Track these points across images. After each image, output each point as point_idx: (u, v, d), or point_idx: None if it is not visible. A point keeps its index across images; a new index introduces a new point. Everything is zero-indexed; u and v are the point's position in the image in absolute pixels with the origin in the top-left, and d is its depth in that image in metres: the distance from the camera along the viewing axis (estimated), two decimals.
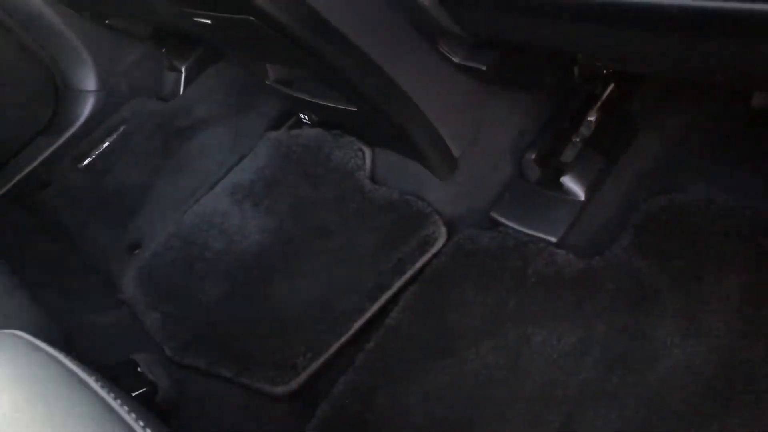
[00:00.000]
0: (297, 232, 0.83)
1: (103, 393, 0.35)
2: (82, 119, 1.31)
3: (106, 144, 1.30)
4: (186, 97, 1.32)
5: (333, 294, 0.75)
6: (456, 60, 0.71)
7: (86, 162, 1.28)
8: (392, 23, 0.67)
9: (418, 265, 0.75)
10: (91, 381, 0.36)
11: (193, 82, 1.33)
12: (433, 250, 0.75)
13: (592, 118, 0.81)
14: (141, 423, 0.34)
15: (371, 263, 0.76)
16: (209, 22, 0.69)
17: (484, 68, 0.70)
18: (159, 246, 0.94)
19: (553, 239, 0.74)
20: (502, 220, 0.78)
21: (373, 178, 0.86)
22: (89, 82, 1.31)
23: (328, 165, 0.88)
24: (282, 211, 0.86)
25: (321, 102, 0.83)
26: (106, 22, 1.23)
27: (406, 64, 0.71)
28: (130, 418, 0.34)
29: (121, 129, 1.31)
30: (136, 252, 1.03)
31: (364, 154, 0.86)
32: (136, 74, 1.34)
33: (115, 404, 0.35)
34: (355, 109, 0.78)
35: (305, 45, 0.65)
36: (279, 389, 0.68)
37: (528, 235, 0.75)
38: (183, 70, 1.33)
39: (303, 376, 0.69)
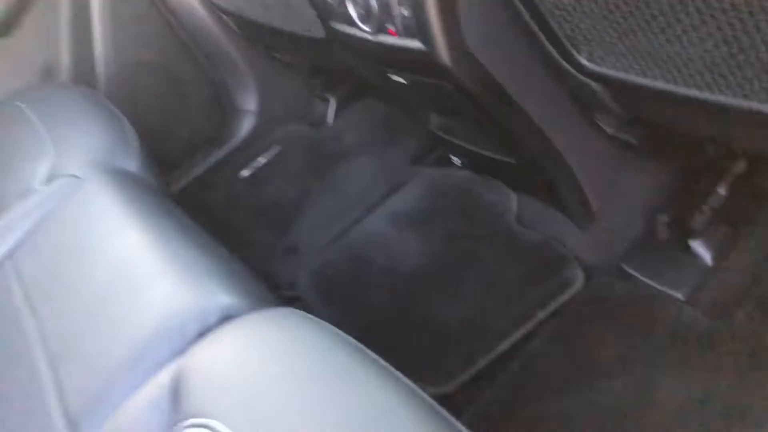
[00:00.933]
0: (452, 260, 0.97)
1: (383, 362, 0.48)
2: (242, 135, 1.50)
3: (263, 160, 1.49)
4: (334, 126, 1.49)
5: (484, 317, 0.88)
6: (608, 131, 0.83)
7: (245, 173, 1.47)
8: (555, 94, 0.80)
9: (559, 302, 0.87)
10: (369, 352, 0.49)
11: (341, 113, 1.50)
12: (572, 290, 0.88)
13: (722, 191, 0.92)
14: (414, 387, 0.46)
15: (517, 295, 0.89)
16: (405, 82, 0.84)
17: (634, 142, 0.82)
18: (325, 254, 1.11)
19: (680, 296, 0.84)
20: (633, 272, 0.89)
21: (519, 221, 0.99)
22: (251, 103, 1.50)
23: (479, 205, 1.02)
24: (438, 240, 1.01)
25: (480, 151, 0.97)
26: (275, 55, 1.42)
27: (563, 128, 0.84)
28: (412, 385, 0.47)
29: (276, 149, 1.50)
30: (292, 256, 1.20)
31: (511, 198, 1.00)
32: (291, 101, 1.52)
33: (396, 373, 0.47)
34: (513, 162, 0.92)
35: (485, 107, 0.78)
36: (434, 389, 0.82)
37: (657, 289, 0.86)
38: (333, 101, 1.51)
39: (456, 382, 0.82)
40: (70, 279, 0.69)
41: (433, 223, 1.05)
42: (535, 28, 0.61)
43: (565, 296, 0.87)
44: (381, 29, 0.70)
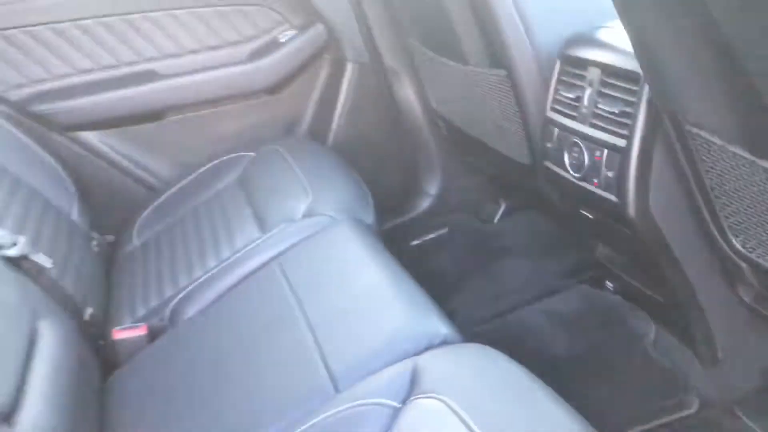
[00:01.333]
0: (591, 359, 1.19)
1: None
2: (419, 211, 1.78)
3: (432, 236, 1.76)
4: (499, 225, 1.74)
5: (608, 410, 1.08)
6: (746, 299, 1.00)
7: (415, 242, 1.75)
8: (708, 259, 0.98)
9: (672, 417, 1.06)
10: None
11: (508, 216, 1.75)
12: (686, 413, 1.07)
13: None
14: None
15: (639, 401, 1.09)
16: (591, 217, 1.06)
17: (767, 314, 0.99)
18: (481, 327, 1.34)
19: None
20: (743, 416, 1.04)
21: (654, 347, 1.20)
22: (433, 188, 1.78)
23: (623, 326, 1.25)
24: (583, 342, 1.24)
25: (633, 283, 1.17)
26: (467, 158, 1.70)
27: (708, 286, 1.02)
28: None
29: (445, 230, 1.77)
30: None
31: (651, 327, 1.22)
32: (467, 195, 1.79)
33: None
34: (659, 299, 1.11)
35: (650, 253, 0.99)
36: None
37: None
38: (503, 205, 1.76)
39: None
40: (327, 285, 0.99)
41: (581, 328, 1.28)
42: (702, 205, 0.83)
43: (679, 415, 1.06)
44: (586, 179, 0.94)
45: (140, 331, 1.13)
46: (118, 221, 1.51)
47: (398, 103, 1.67)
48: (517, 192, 1.72)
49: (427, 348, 0.82)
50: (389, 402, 0.75)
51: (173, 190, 1.53)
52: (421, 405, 0.72)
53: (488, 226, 1.75)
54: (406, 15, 1.41)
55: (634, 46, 0.74)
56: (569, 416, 0.68)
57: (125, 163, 1.61)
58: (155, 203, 1.51)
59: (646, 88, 0.82)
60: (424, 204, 1.78)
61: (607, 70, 0.89)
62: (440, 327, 0.86)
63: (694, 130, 0.72)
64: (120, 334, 1.13)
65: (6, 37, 1.46)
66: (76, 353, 1.00)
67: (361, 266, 1.03)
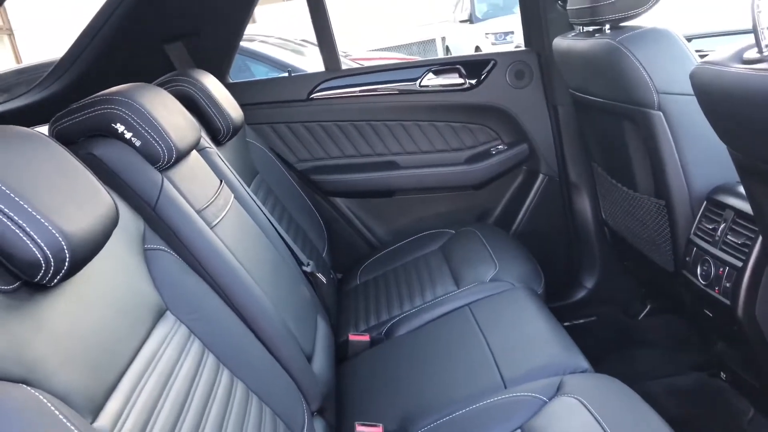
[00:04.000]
0: (698, 425, 1.53)
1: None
2: (575, 299, 2.18)
3: (581, 321, 2.15)
4: (643, 321, 2.10)
5: None
6: None
7: (566, 324, 2.14)
8: None
9: None
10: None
11: (650, 317, 2.10)
12: None
13: None
14: None
15: None
16: (711, 315, 1.43)
17: None
18: None
19: None
20: None
21: (750, 422, 1.51)
22: (590, 282, 2.18)
23: (728, 404, 1.57)
24: (692, 413, 1.57)
25: (742, 374, 1.50)
26: (625, 262, 2.09)
27: None
28: None
29: (593, 318, 2.15)
30: None
31: (750, 410, 1.53)
32: (623, 294, 2.16)
33: None
34: (757, 385, 1.44)
35: (754, 349, 1.33)
36: None
37: None
38: (648, 306, 2.12)
39: None
40: (505, 325, 1.44)
41: (694, 401, 1.61)
42: None
43: None
44: (710, 286, 1.34)
45: (365, 338, 1.65)
46: (345, 265, 2.07)
47: (574, 210, 2.13)
48: (661, 297, 2.07)
49: (572, 372, 1.24)
50: (541, 396, 1.17)
51: (389, 249, 2.07)
52: (564, 401, 1.13)
53: (632, 321, 2.11)
54: (594, 144, 1.88)
55: (748, 198, 1.15)
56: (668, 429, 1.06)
57: (358, 224, 2.21)
58: (375, 256, 2.06)
59: None
60: (580, 294, 2.18)
61: (739, 213, 1.30)
62: (583, 362, 1.27)
63: None
64: (353, 337, 1.66)
65: (306, 126, 2.13)
66: (331, 340, 1.53)
67: (531, 316, 1.47)
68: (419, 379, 1.38)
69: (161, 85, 1.57)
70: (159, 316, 0.95)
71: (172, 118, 1.23)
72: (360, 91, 2.11)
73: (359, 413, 1.31)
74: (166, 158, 1.16)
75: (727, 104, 0.95)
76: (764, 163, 0.97)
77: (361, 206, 2.21)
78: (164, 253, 1.03)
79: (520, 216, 2.17)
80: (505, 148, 2.12)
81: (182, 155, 1.22)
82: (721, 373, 1.61)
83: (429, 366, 1.43)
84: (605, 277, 2.14)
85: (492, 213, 2.21)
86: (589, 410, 1.09)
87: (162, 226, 1.09)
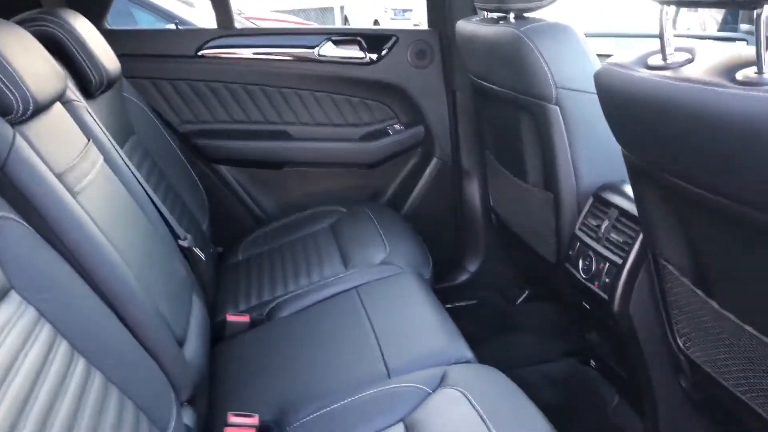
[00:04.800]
0: (567, 412, 1.59)
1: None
2: (457, 282, 2.21)
3: (462, 304, 2.18)
4: (522, 306, 2.16)
5: None
6: (683, 384, 1.39)
7: (448, 306, 2.16)
8: (663, 353, 1.39)
9: None
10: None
11: (529, 300, 2.17)
12: None
13: None
14: None
15: None
16: (588, 307, 1.49)
17: (694, 399, 1.38)
18: None
19: None
20: None
21: (614, 412, 1.59)
22: (473, 266, 2.21)
23: (595, 393, 1.64)
24: (562, 400, 1.63)
25: (609, 363, 1.58)
26: (508, 249, 2.13)
27: (659, 370, 1.41)
28: None
29: (474, 301, 2.19)
30: None
31: (615, 397, 1.61)
32: (503, 279, 2.21)
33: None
34: (625, 376, 1.51)
35: (622, 341, 1.40)
36: None
37: None
38: (527, 291, 2.18)
39: None
40: (392, 311, 1.41)
41: (565, 388, 1.67)
42: (663, 313, 1.24)
43: None
44: (590, 281, 1.38)
45: (245, 319, 1.56)
46: (227, 239, 1.96)
47: (463, 195, 2.14)
48: (539, 283, 2.14)
49: (455, 362, 1.24)
50: (424, 387, 1.15)
51: (276, 224, 1.98)
52: (447, 393, 1.12)
53: (510, 306, 2.17)
54: (489, 132, 1.88)
55: (635, 201, 1.18)
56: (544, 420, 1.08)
57: (244, 195, 2.10)
58: (260, 230, 1.96)
59: None
60: (463, 277, 2.21)
61: (622, 212, 1.34)
62: (466, 351, 1.27)
63: (664, 263, 1.15)
64: (232, 317, 1.56)
65: (192, 86, 1.97)
66: (207, 322, 1.43)
67: (417, 303, 1.45)
68: (300, 365, 1.32)
69: (21, 23, 1.37)
70: (0, 296, 0.81)
71: (30, 62, 1.07)
72: (254, 54, 1.98)
73: (233, 402, 1.23)
74: (20, 109, 1.00)
75: (629, 108, 0.95)
76: (658, 168, 0.99)
77: (247, 176, 2.09)
78: (13, 222, 0.88)
79: (411, 198, 2.15)
80: (402, 128, 2.08)
81: (41, 107, 1.06)
82: (591, 361, 1.68)
83: (311, 351, 1.37)
84: (488, 262, 2.18)
85: (384, 193, 2.17)
86: (471, 402, 1.09)
87: (11, 191, 0.93)
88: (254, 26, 3.79)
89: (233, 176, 2.07)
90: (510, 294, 2.20)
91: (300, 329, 1.45)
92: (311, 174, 2.11)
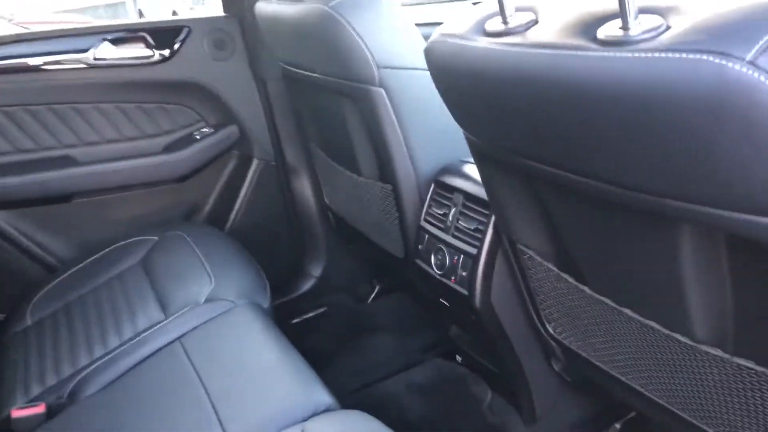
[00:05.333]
0: (438, 418, 1.46)
1: None
2: (300, 291, 2.01)
3: (312, 314, 2.00)
4: (373, 305, 2.02)
5: None
6: (556, 368, 1.34)
7: (296, 320, 1.97)
8: (531, 338, 1.31)
9: None
10: None
11: (380, 297, 2.04)
12: None
13: (618, 425, 1.41)
14: None
15: None
16: (447, 304, 1.37)
17: (569, 380, 1.33)
18: (346, 400, 1.57)
19: None
20: None
21: (489, 408, 1.49)
22: (317, 270, 2.03)
23: (467, 392, 1.52)
24: (435, 405, 1.51)
25: (476, 357, 1.48)
26: (350, 246, 1.98)
27: (530, 360, 1.34)
28: None
29: (324, 308, 2.01)
30: None
31: (488, 393, 1.51)
32: (346, 278, 2.06)
33: None
34: (495, 370, 1.43)
35: (488, 334, 1.30)
36: None
37: None
38: (378, 287, 2.05)
39: None
40: (226, 364, 1.15)
41: (433, 396, 1.54)
42: (528, 300, 1.15)
43: None
44: (446, 276, 1.25)
45: (38, 410, 1.16)
46: (10, 300, 1.56)
47: (294, 196, 1.94)
48: (389, 276, 2.01)
49: (313, 414, 1.02)
50: None
51: (72, 270, 1.58)
52: None
53: (362, 306, 2.02)
54: (311, 124, 1.70)
55: (484, 185, 1.06)
56: None
57: (25, 242, 1.69)
58: (53, 283, 1.55)
59: None
60: (308, 285, 2.02)
61: (468, 196, 1.22)
62: (324, 397, 1.06)
63: (523, 248, 1.05)
64: (18, 413, 1.16)
65: None
66: None
67: (256, 346, 1.20)
68: None
69: None
70: None
71: None
72: (7, 66, 1.60)
73: None
74: None
75: (470, 86, 0.80)
76: (509, 152, 0.86)
77: (26, 218, 1.69)
78: None
79: (235, 209, 1.90)
80: (211, 131, 1.82)
81: None
82: (457, 356, 1.58)
83: None
84: (332, 263, 2.01)
85: (202, 209, 1.90)
86: None
87: None
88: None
89: (7, 221, 1.67)
90: (361, 292, 2.06)
91: (111, 409, 1.12)
92: (109, 202, 1.76)
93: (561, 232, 0.92)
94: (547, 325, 1.13)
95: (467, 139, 0.97)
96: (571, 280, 0.97)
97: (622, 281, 0.87)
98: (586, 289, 0.95)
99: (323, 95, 1.47)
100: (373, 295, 2.04)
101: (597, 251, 0.88)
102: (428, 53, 0.89)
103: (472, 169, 1.27)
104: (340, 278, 2.04)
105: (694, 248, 0.72)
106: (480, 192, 1.19)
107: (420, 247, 1.35)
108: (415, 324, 1.88)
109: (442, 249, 1.27)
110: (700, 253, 0.72)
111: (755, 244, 0.63)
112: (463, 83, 0.82)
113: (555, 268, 1.00)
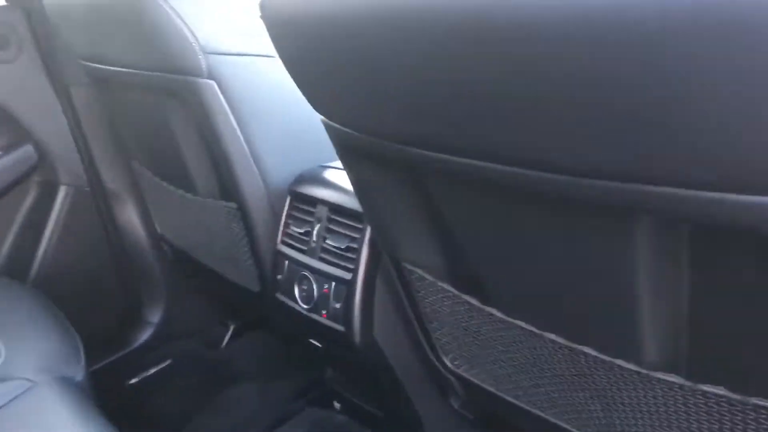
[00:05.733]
0: None
1: None
2: (137, 344, 1.65)
3: (154, 370, 1.64)
4: (228, 349, 1.70)
5: None
6: (455, 407, 1.13)
7: (134, 381, 1.60)
8: (425, 375, 1.09)
9: None
10: None
11: (236, 339, 1.72)
12: None
13: None
14: None
15: None
16: (319, 345, 1.11)
17: (471, 417, 1.13)
18: None
19: None
20: None
21: None
22: (155, 316, 1.68)
23: None
24: None
25: (358, 402, 1.24)
26: (192, 280, 1.66)
27: (424, 399, 1.13)
28: None
29: (169, 361, 1.66)
30: None
31: None
32: (193, 320, 1.73)
33: None
34: (380, 414, 1.19)
35: (374, 375, 1.06)
36: None
37: None
38: (232, 327, 1.73)
39: None
40: None
41: None
42: (418, 329, 0.93)
43: None
44: (316, 311, 1.00)
45: None
46: None
47: (119, 227, 1.58)
48: (246, 312, 1.71)
49: None
50: None
51: None
52: None
53: (216, 353, 1.70)
54: (130, 135, 1.37)
55: (355, 190, 0.82)
56: None
57: None
58: None
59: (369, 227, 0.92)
60: (145, 335, 1.66)
61: (333, 208, 0.98)
62: None
63: (410, 266, 0.82)
64: None
65: None
66: None
67: None
68: None
69: None
70: None
71: None
72: None
73: None
74: None
75: (322, 40, 0.57)
76: (382, 137, 0.63)
77: None
78: None
79: (40, 252, 1.50)
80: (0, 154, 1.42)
81: None
82: (335, 403, 1.32)
83: None
84: (173, 305, 1.67)
85: None
86: None
87: None
88: None
89: None
90: (212, 336, 1.73)
91: None
92: None
93: (460, 242, 0.70)
94: (444, 358, 0.91)
95: (328, 129, 0.72)
96: (474, 302, 0.76)
97: (546, 300, 0.67)
98: (494, 311, 0.74)
99: (139, 96, 1.17)
100: (227, 338, 1.72)
101: (510, 263, 0.67)
102: (264, 10, 0.64)
103: (336, 175, 1.03)
104: (185, 322, 1.70)
105: (652, 248, 0.53)
106: (349, 201, 0.96)
107: (279, 277, 1.08)
108: (281, 368, 1.60)
109: (307, 277, 1.01)
110: (659, 253, 0.54)
111: (727, 238, 0.45)
112: (315, 41, 0.58)
113: (452, 289, 0.78)
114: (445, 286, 0.79)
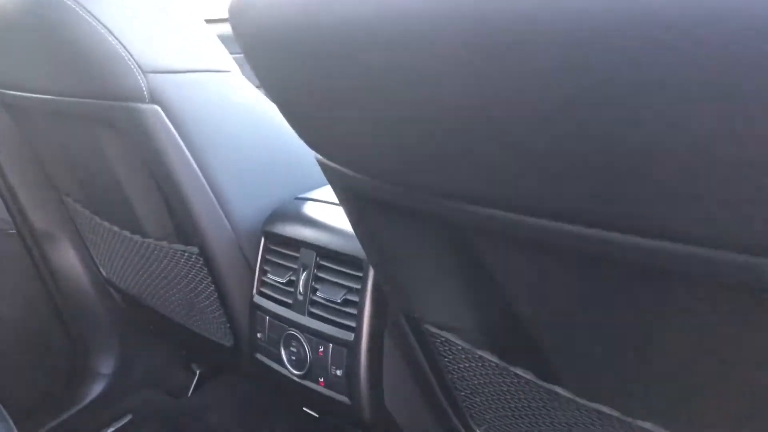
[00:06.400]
0: None
1: None
2: (89, 399, 1.44)
3: (113, 429, 1.42)
4: (195, 399, 1.50)
5: None
6: None
7: None
8: None
9: None
10: None
11: (204, 385, 1.52)
12: None
13: None
14: None
15: None
16: (317, 416, 0.94)
17: None
18: None
19: None
20: None
21: None
22: (107, 366, 1.47)
23: None
24: None
25: None
26: (150, 327, 1.45)
27: None
28: None
29: (129, 417, 1.45)
30: None
31: None
32: (152, 366, 1.52)
33: None
34: None
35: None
36: None
37: None
38: (197, 372, 1.53)
39: None
40: None
41: None
42: (443, 399, 0.77)
43: None
44: (310, 378, 0.82)
45: None
46: None
47: (55, 273, 1.35)
48: (209, 352, 1.51)
49: None
50: None
51: None
52: None
53: (182, 402, 1.49)
54: (61, 169, 1.15)
55: (361, 242, 0.65)
56: None
57: None
58: None
59: (372, 273, 0.74)
60: (97, 388, 1.45)
61: (323, 253, 0.80)
62: None
63: (433, 329, 0.66)
64: None
65: None
66: None
67: None
68: None
69: None
70: None
71: None
72: None
73: None
74: None
75: (319, 57, 0.39)
76: (394, 184, 0.46)
77: None
78: None
79: None
80: None
81: None
82: None
83: None
84: (128, 351, 1.46)
85: None
86: None
87: None
88: None
89: None
90: (176, 384, 1.52)
91: None
92: None
93: (512, 308, 0.54)
94: (476, 430, 0.75)
95: (327, 171, 0.55)
96: (528, 376, 0.60)
97: (638, 380, 0.51)
98: (558, 390, 0.58)
99: (69, 127, 0.96)
100: (193, 385, 1.52)
101: (589, 334, 0.51)
102: (233, 15, 0.45)
103: (319, 210, 0.85)
104: (143, 369, 1.50)
105: None
106: (342, 244, 0.78)
107: (260, 335, 0.89)
108: (258, 414, 1.41)
109: (296, 337, 0.83)
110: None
111: None
112: (308, 56, 0.40)
113: (496, 359, 0.62)
114: (485, 354, 0.62)
